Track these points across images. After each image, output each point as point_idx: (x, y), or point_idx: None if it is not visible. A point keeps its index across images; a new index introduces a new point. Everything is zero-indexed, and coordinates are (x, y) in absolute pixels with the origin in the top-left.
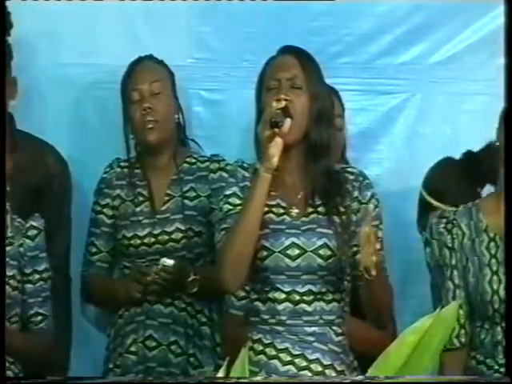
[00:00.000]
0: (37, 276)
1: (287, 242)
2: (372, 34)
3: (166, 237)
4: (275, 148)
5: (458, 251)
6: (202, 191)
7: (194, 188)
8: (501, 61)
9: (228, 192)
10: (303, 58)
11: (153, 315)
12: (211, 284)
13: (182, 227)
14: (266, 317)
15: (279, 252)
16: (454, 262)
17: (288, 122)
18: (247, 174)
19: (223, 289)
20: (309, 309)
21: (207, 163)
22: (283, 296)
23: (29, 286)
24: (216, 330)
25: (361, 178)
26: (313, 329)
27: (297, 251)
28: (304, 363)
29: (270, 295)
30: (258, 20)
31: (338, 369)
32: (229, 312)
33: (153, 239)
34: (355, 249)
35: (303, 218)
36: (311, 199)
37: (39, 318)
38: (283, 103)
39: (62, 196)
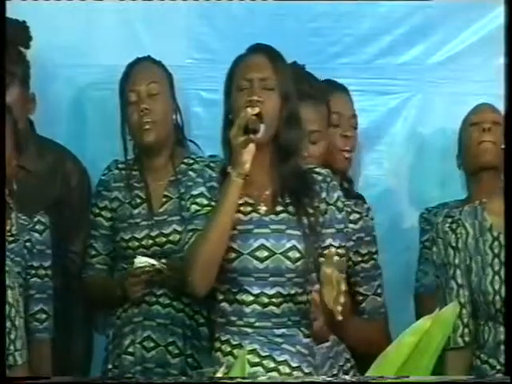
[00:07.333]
0: (43, 271)
1: (256, 244)
2: (372, 34)
3: (164, 239)
4: (249, 154)
5: (461, 250)
6: None
7: None
8: (501, 61)
9: (195, 192)
10: (274, 58)
11: (151, 316)
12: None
13: (180, 229)
14: (233, 318)
15: (248, 254)
16: (457, 261)
17: (263, 127)
18: (214, 174)
19: (192, 291)
20: (277, 311)
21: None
22: (251, 298)
23: (37, 280)
24: None
25: (328, 179)
26: (282, 330)
27: (265, 253)
28: (272, 364)
29: (238, 297)
30: (258, 20)
31: (306, 371)
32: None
33: (150, 241)
34: (320, 251)
35: (272, 216)
36: (280, 197)
37: (43, 316)
38: (257, 109)
39: (81, 200)
